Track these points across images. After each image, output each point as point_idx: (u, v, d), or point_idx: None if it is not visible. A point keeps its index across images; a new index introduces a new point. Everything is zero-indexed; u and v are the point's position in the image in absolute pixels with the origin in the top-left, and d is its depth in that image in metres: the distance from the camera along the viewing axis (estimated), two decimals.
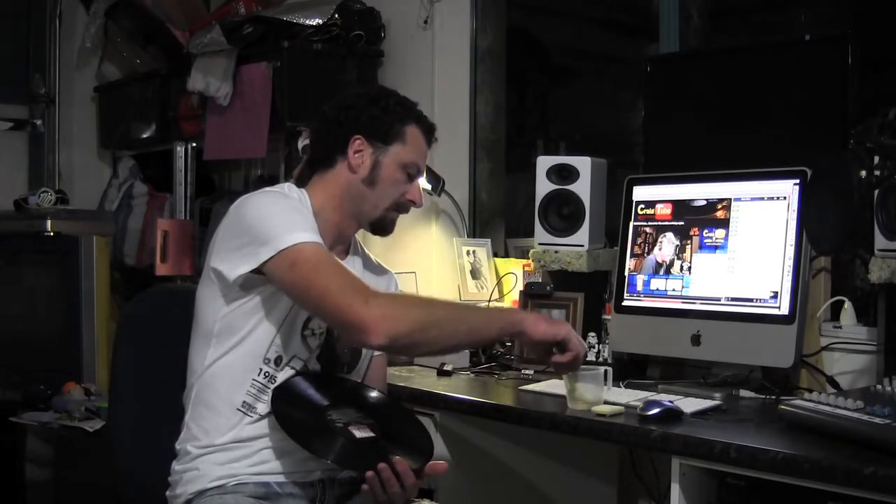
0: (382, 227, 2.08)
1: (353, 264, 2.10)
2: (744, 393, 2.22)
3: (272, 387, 1.94)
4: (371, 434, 1.92)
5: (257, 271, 1.87)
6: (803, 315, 2.16)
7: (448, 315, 1.89)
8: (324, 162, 2.05)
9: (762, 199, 2.23)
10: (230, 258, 1.90)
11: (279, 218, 1.88)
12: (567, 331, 1.92)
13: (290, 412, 1.90)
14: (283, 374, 1.95)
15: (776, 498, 1.73)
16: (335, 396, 1.97)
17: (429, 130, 2.10)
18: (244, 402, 1.93)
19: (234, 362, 1.94)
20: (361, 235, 2.19)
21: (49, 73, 4.36)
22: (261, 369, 1.94)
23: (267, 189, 2.04)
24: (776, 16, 3.18)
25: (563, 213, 2.69)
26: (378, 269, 2.18)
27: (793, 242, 2.15)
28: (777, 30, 3.14)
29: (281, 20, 3.38)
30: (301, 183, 2.07)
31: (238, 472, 1.91)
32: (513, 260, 3.08)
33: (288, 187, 2.05)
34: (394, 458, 1.82)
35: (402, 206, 2.08)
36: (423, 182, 2.97)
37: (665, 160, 2.62)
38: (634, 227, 2.44)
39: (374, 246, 2.72)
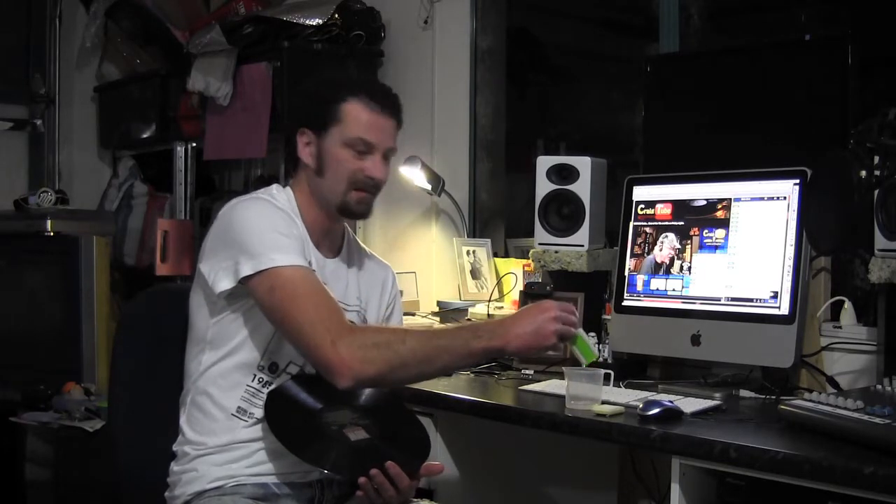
0: (349, 210, 2.01)
1: (346, 266, 2.08)
2: (744, 393, 2.21)
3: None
4: (366, 436, 1.90)
5: (241, 282, 1.86)
6: (803, 315, 2.16)
7: (419, 354, 1.82)
8: (293, 162, 2.05)
9: (762, 199, 2.23)
10: (215, 269, 1.89)
11: (262, 235, 1.87)
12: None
13: (283, 418, 1.88)
14: (279, 381, 1.95)
15: (776, 498, 1.73)
16: (329, 398, 1.93)
17: (372, 98, 1.97)
18: (239, 407, 1.93)
19: (228, 369, 1.94)
20: (362, 235, 2.18)
21: (49, 73, 4.35)
22: (255, 375, 1.94)
23: (256, 195, 2.00)
24: (776, 16, 3.18)
25: (563, 213, 2.68)
26: (376, 268, 2.16)
27: (793, 242, 2.15)
28: (777, 30, 3.13)
29: (281, 20, 3.38)
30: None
31: (236, 474, 1.91)
32: (513, 260, 3.07)
33: (276, 189, 2.03)
34: (386, 463, 1.80)
35: (360, 184, 1.98)
36: (417, 173, 2.97)
37: (665, 160, 2.61)
38: (634, 227, 2.44)
39: (376, 246, 2.73)
